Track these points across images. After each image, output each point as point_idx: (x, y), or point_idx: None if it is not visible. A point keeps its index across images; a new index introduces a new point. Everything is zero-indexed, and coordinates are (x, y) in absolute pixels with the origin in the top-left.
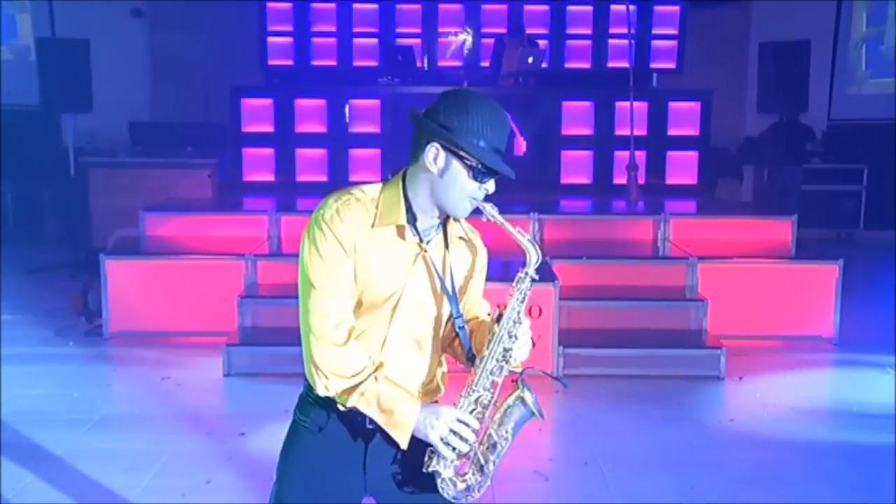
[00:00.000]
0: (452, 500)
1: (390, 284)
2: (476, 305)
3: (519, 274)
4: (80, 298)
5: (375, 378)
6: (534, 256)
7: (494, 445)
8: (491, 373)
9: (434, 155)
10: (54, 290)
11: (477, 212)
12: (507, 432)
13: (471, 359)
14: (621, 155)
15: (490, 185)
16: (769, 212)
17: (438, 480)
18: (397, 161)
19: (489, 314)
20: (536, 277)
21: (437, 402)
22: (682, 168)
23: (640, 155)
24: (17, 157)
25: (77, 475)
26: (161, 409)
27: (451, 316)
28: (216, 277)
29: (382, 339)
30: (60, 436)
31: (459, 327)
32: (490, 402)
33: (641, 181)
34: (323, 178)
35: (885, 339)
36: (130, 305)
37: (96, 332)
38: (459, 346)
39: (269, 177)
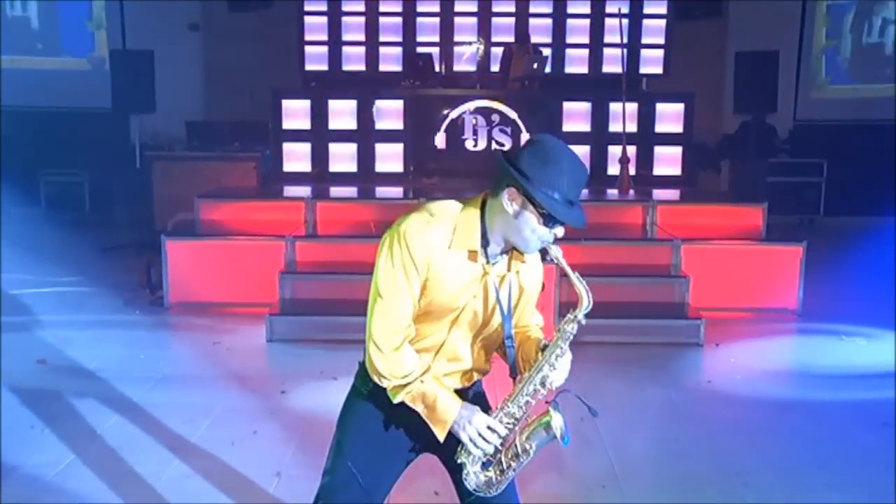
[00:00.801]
0: (473, 490)
1: (455, 300)
2: (529, 316)
3: (568, 315)
4: (145, 273)
5: (422, 381)
6: (585, 302)
7: (518, 455)
8: (527, 394)
9: (510, 198)
10: (123, 266)
11: None
12: (531, 447)
13: (512, 376)
14: (614, 149)
15: (559, 231)
16: (743, 200)
17: (464, 472)
18: (418, 155)
19: (541, 328)
20: (584, 322)
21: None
22: (668, 161)
23: (631, 150)
24: (93, 152)
25: (149, 421)
26: (213, 369)
27: (502, 330)
28: (260, 256)
29: (441, 342)
30: (132, 390)
31: (508, 346)
32: (522, 417)
33: (632, 173)
34: (352, 169)
35: (842, 311)
36: (187, 280)
37: (158, 302)
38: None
39: (305, 168)
